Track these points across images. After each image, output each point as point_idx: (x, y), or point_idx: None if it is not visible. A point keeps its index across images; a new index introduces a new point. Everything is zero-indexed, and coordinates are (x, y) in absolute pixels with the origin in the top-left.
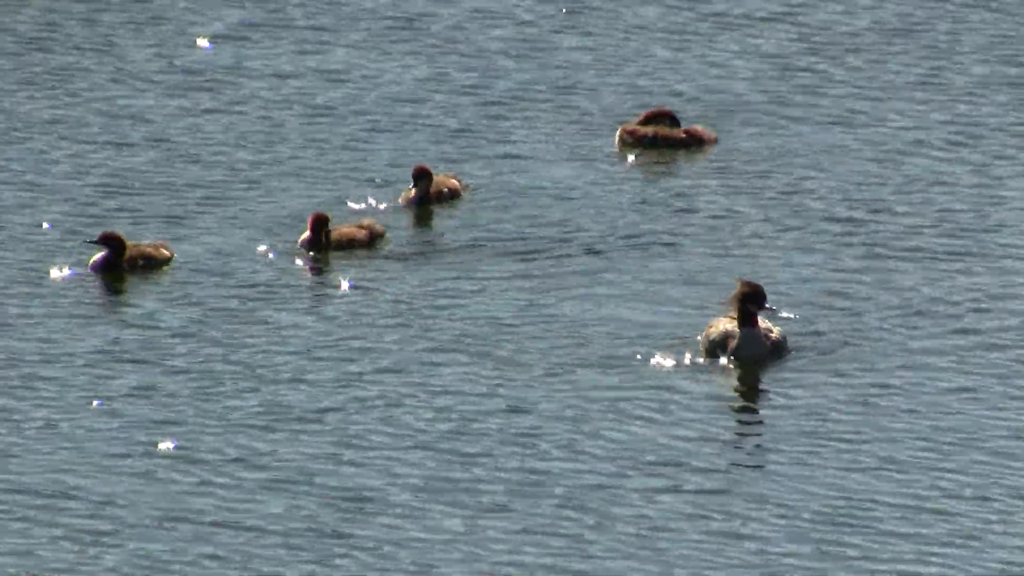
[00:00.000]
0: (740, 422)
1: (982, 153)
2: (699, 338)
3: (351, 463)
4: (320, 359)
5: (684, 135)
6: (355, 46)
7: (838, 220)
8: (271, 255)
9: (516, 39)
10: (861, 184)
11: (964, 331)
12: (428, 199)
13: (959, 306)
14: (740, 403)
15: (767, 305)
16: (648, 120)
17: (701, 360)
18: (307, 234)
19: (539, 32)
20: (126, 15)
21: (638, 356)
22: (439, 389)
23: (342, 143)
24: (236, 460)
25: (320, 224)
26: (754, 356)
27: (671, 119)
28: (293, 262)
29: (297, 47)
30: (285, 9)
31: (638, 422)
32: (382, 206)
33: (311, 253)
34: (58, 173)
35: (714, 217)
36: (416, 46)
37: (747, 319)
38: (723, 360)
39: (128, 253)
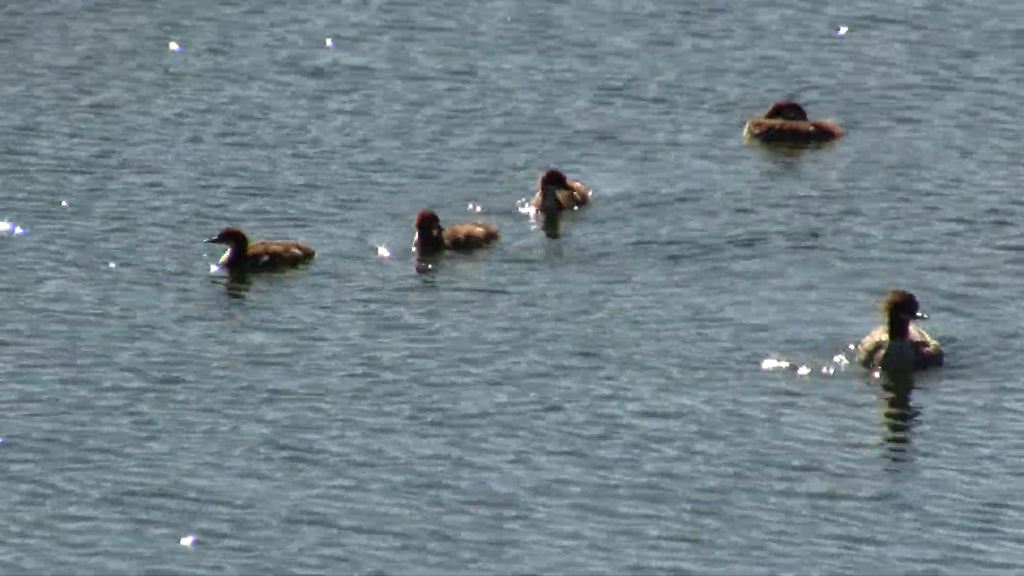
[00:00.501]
0: (874, 428)
1: None
2: (855, 347)
3: (484, 467)
4: (460, 362)
5: (812, 128)
6: (482, 47)
7: (970, 222)
8: (389, 255)
9: (643, 37)
10: (992, 184)
11: None
12: (559, 205)
13: None
14: (880, 410)
15: (919, 314)
16: (775, 112)
17: (852, 368)
18: (416, 235)
19: (666, 28)
20: (251, 14)
21: (785, 362)
22: (568, 394)
23: (473, 145)
24: (367, 464)
25: (428, 223)
26: (903, 368)
27: (797, 110)
28: (416, 264)
29: (425, 47)
30: (412, 10)
31: (784, 427)
32: (515, 209)
33: (420, 255)
34: (184, 174)
35: (848, 214)
36: (543, 46)
37: (898, 329)
38: (874, 371)
39: (252, 250)
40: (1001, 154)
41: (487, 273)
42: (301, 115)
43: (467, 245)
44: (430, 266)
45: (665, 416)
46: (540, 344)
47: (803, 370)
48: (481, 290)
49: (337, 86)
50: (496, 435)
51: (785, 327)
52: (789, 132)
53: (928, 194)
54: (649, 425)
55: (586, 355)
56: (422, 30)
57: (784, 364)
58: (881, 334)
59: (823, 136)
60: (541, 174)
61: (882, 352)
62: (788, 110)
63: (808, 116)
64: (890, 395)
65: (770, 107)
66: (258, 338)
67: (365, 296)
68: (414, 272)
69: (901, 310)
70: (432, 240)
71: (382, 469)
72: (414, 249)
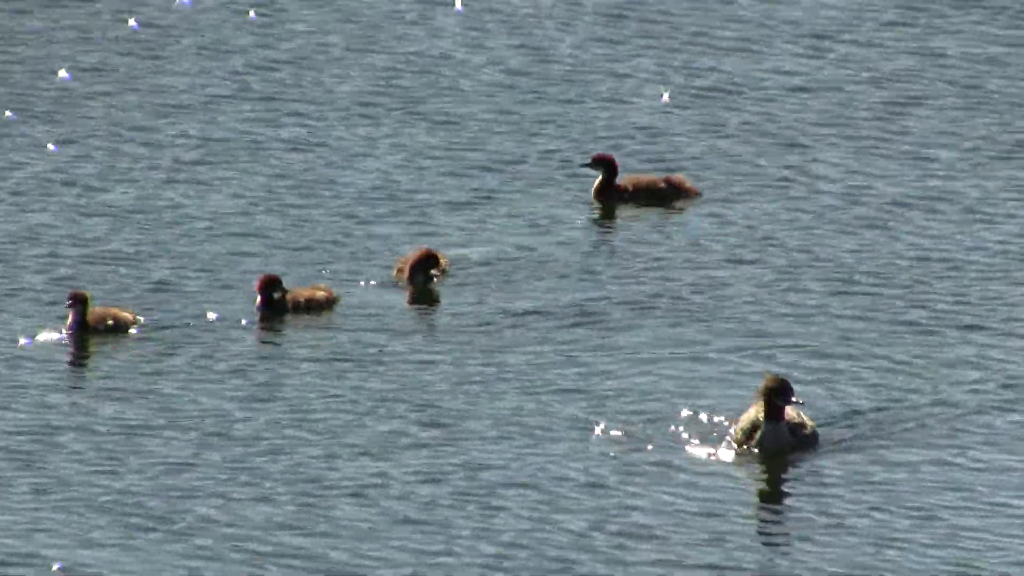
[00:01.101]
0: (741, 507)
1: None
2: (731, 425)
3: (327, 534)
4: (304, 426)
5: (664, 185)
6: (334, 115)
7: (839, 291)
8: (230, 319)
9: (490, 103)
10: (855, 250)
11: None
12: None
13: (986, 382)
14: (750, 489)
15: (794, 399)
16: (594, 164)
17: (730, 447)
18: (258, 299)
19: (506, 98)
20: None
21: (644, 430)
22: (414, 461)
23: (323, 214)
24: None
25: (269, 286)
26: (778, 449)
27: (610, 164)
28: (259, 327)
29: (276, 113)
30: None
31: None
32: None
33: (262, 318)
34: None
35: (708, 277)
36: (394, 115)
37: (774, 412)
38: (749, 450)
39: (92, 316)
40: (859, 221)
41: (329, 338)
42: (154, 181)
43: (308, 309)
44: (273, 329)
45: (518, 485)
46: (386, 410)
47: (664, 440)
48: (326, 358)
49: (190, 156)
50: (343, 503)
51: (646, 393)
52: (644, 191)
53: (789, 262)
54: (503, 493)
55: (434, 424)
56: (279, 100)
57: (643, 432)
58: (758, 412)
59: (677, 194)
60: (413, 253)
61: (758, 433)
62: (601, 163)
63: (663, 173)
64: (764, 476)
65: (590, 160)
66: (109, 408)
67: (204, 363)
68: (257, 336)
69: (776, 395)
70: (273, 303)
71: (238, 536)
72: (256, 312)
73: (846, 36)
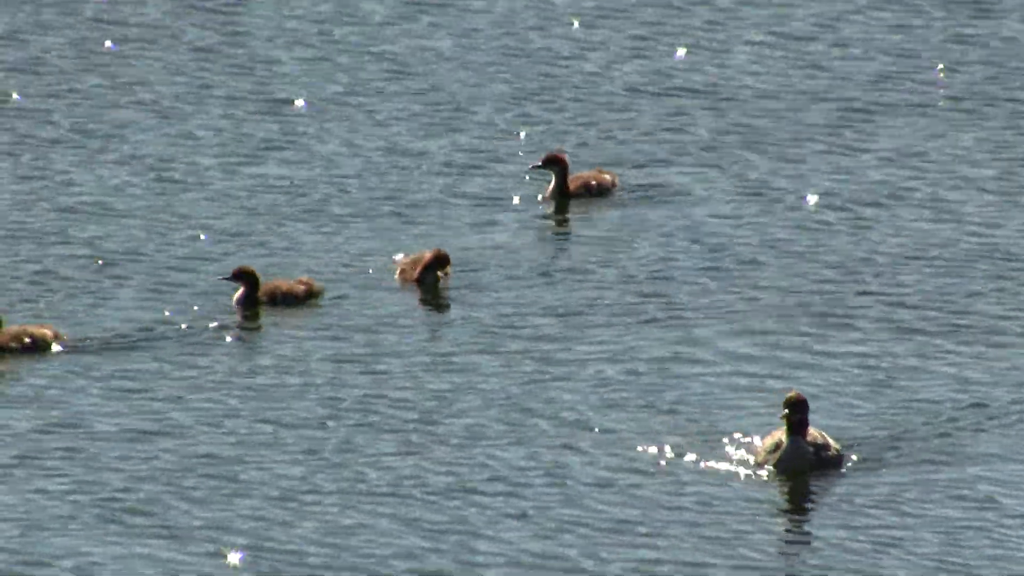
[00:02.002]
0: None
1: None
2: (757, 445)
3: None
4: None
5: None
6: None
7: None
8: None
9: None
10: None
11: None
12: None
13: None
14: (770, 509)
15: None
16: (546, 164)
17: (751, 466)
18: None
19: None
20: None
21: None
22: (394, 459)
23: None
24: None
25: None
26: (797, 467)
27: (562, 163)
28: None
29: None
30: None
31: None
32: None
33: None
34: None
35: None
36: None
37: (796, 428)
38: (768, 466)
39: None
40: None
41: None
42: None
43: (284, 302)
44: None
45: (538, 485)
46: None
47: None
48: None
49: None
50: (319, 501)
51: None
52: (597, 187)
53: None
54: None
55: (434, 424)
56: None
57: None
58: (781, 435)
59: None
60: (420, 253)
61: (779, 451)
62: (555, 163)
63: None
64: (783, 495)
65: (541, 159)
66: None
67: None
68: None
69: (795, 410)
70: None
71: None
72: (236, 305)
73: (817, 35)
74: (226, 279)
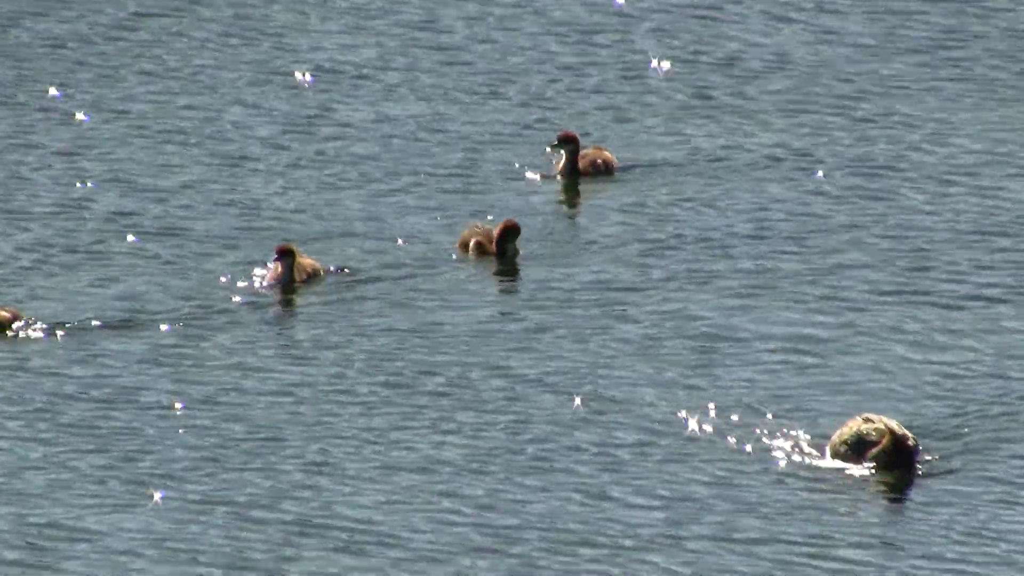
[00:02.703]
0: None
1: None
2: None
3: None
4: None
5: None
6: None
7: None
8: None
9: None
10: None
11: None
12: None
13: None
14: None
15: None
16: (560, 143)
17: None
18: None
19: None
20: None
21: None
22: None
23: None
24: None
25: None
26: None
27: (576, 142)
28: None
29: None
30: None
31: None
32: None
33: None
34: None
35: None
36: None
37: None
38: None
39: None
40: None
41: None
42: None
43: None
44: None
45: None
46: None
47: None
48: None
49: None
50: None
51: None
52: (604, 165)
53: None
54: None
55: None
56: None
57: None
58: (859, 426)
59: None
60: (482, 227)
61: (874, 451)
62: (569, 142)
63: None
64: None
65: (556, 139)
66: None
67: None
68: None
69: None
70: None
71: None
72: (276, 282)
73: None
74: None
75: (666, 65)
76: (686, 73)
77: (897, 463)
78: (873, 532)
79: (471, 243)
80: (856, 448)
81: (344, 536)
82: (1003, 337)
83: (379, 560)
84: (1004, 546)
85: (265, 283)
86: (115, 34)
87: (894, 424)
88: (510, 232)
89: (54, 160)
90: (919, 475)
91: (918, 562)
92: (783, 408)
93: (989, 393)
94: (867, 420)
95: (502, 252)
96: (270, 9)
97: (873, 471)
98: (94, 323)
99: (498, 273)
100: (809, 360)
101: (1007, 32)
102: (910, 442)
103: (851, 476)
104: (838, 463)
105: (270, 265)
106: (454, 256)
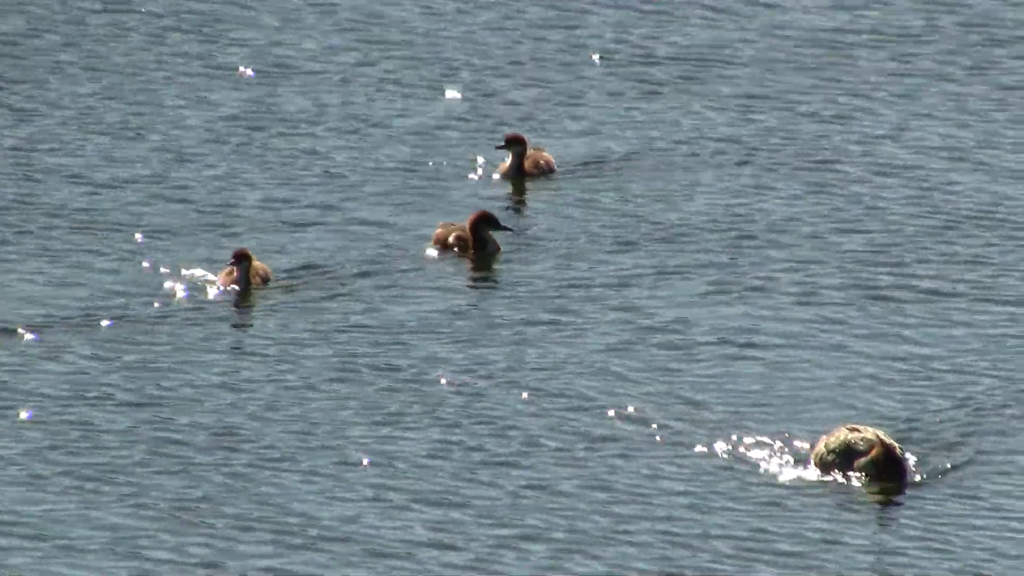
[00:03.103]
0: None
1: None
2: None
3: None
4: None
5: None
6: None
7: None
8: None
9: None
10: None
11: None
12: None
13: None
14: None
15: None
16: (508, 144)
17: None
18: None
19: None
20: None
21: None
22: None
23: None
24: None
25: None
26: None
27: (522, 143)
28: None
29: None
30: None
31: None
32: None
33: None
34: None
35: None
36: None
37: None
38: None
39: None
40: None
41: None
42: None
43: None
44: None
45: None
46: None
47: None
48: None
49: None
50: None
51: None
52: (546, 166)
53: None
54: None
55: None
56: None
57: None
58: (845, 436)
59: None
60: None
61: (863, 461)
62: (516, 143)
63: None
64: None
65: (504, 140)
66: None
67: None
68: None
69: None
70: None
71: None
72: (233, 288)
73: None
74: (231, 263)
75: (614, 58)
76: (634, 66)
77: (886, 473)
78: (814, 526)
79: (451, 238)
80: (844, 456)
81: (296, 531)
82: (956, 331)
83: (331, 555)
84: (979, 554)
85: (220, 287)
86: (62, 29)
87: (881, 433)
88: (485, 221)
89: (0, 156)
90: (906, 483)
91: (864, 557)
92: (740, 406)
93: (949, 392)
94: (853, 430)
95: (482, 244)
96: (214, 4)
97: (860, 479)
98: (45, 319)
99: (455, 270)
100: (768, 356)
101: (959, 26)
102: (898, 452)
103: (831, 482)
104: (815, 469)
105: (225, 268)
106: (430, 253)
